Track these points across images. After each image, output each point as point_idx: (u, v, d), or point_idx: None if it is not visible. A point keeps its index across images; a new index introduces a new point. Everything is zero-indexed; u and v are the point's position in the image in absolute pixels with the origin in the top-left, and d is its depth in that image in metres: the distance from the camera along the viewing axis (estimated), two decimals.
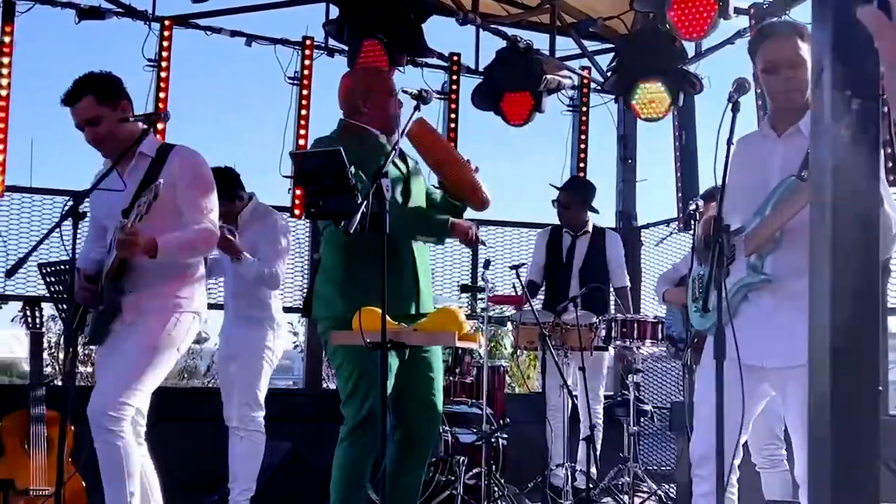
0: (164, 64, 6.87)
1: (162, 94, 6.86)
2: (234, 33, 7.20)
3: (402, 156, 3.99)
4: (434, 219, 3.95)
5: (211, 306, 4.45)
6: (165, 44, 6.89)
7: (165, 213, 3.62)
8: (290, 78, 7.28)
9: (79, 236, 3.46)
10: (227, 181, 5.02)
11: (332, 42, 7.28)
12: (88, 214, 3.66)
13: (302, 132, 7.24)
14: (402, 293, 3.73)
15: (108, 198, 3.71)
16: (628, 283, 6.63)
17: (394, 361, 3.64)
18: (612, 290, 6.57)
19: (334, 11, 7.04)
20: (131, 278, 3.72)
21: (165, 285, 3.77)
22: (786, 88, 3.10)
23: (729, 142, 2.89)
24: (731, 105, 2.92)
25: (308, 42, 7.29)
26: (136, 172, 3.75)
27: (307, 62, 7.29)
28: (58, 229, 3.45)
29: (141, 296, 3.73)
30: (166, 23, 6.91)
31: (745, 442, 3.31)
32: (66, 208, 3.43)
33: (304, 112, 7.26)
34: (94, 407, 3.61)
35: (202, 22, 7.13)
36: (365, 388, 3.69)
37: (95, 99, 3.69)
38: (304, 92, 7.27)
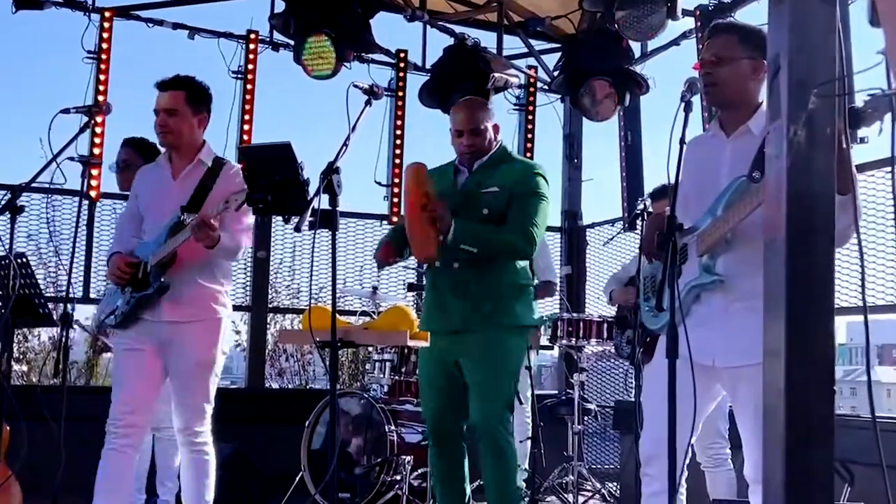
0: (104, 56, 6.72)
1: (101, 87, 6.71)
2: (176, 25, 7.06)
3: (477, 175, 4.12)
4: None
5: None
6: (105, 35, 6.74)
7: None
8: (233, 72, 7.18)
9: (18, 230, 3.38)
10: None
11: (277, 36, 7.20)
12: (130, 199, 4.15)
13: (246, 127, 7.16)
14: (431, 306, 3.99)
15: (159, 192, 4.03)
16: (554, 279, 6.51)
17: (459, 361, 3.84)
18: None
19: (280, 5, 6.96)
20: (175, 272, 3.94)
21: (204, 286, 4.01)
22: (703, 83, 3.09)
23: (682, 141, 2.88)
24: (683, 104, 2.91)
25: (253, 36, 7.20)
26: (192, 176, 4.06)
27: (251, 56, 7.19)
28: None
29: (182, 291, 3.95)
30: (106, 14, 6.76)
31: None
32: (3, 202, 3.37)
33: (247, 107, 7.17)
34: (179, 426, 3.96)
35: (143, 14, 6.99)
36: (423, 398, 4.03)
37: (185, 96, 4.02)
38: (249, 86, 7.18)
